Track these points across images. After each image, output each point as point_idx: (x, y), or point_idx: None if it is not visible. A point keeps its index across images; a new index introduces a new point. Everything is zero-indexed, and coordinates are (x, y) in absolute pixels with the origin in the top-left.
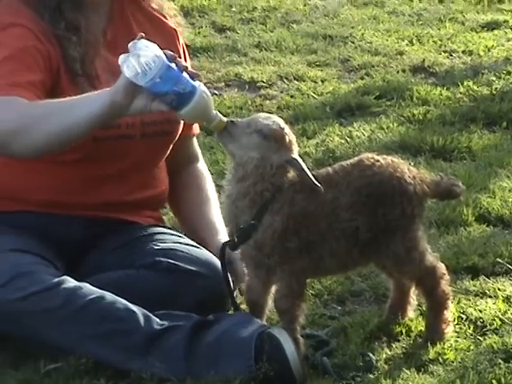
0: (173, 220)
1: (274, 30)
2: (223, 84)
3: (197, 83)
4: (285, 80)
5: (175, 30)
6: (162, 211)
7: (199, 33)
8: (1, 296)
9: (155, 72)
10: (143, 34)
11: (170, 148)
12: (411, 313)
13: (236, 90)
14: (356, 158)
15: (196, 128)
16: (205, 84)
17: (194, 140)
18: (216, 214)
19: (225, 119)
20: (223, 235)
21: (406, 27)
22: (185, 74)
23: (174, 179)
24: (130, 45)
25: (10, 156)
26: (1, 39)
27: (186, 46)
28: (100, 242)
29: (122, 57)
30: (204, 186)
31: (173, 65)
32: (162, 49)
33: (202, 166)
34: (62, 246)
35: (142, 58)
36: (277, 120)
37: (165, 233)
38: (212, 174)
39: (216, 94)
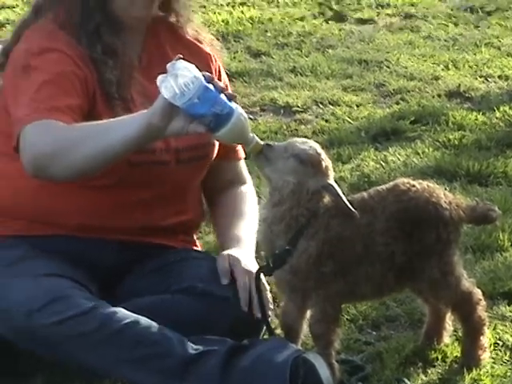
0: (208, 244)
1: (309, 54)
2: (258, 109)
3: (234, 105)
4: (320, 105)
5: (210, 54)
6: (197, 235)
7: (234, 57)
8: (37, 320)
9: (193, 93)
10: (181, 56)
11: (205, 172)
12: (447, 338)
13: (271, 114)
14: (391, 183)
15: (240, 152)
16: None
17: (240, 163)
18: (246, 230)
19: (261, 142)
20: (242, 249)
21: (441, 52)
22: (222, 96)
23: (215, 199)
24: (168, 65)
25: (47, 179)
26: (38, 64)
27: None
28: (134, 267)
29: (160, 77)
30: (241, 205)
31: (211, 86)
32: (200, 70)
33: (246, 188)
34: (96, 271)
35: (180, 78)
36: (313, 145)
37: (199, 258)
38: None
39: (251, 119)
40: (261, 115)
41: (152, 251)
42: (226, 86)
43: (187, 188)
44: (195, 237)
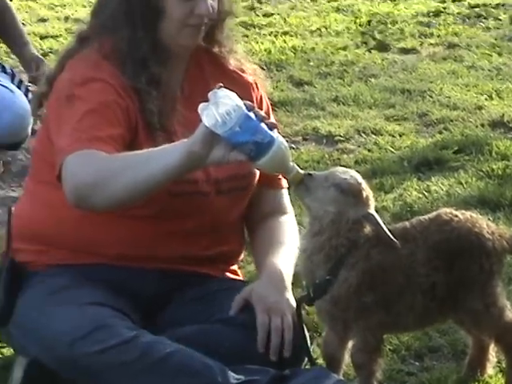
0: (249, 274)
1: (351, 84)
2: (301, 138)
3: (275, 134)
4: (362, 134)
5: (251, 83)
6: (238, 264)
7: (277, 87)
8: (80, 349)
9: (235, 121)
10: (222, 84)
11: (246, 203)
12: (490, 369)
13: (313, 143)
14: (434, 213)
15: (283, 181)
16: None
17: (282, 192)
18: (284, 260)
19: (302, 172)
20: (275, 281)
21: (485, 82)
22: (263, 125)
23: (255, 228)
24: (210, 94)
25: (89, 209)
26: (82, 94)
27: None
28: (175, 295)
29: (201, 105)
30: (280, 235)
31: (252, 114)
32: (241, 98)
33: (287, 218)
34: (137, 299)
35: (221, 107)
36: (354, 175)
37: (240, 287)
38: None
39: (293, 148)
40: (303, 144)
41: (193, 280)
42: (269, 115)
43: (228, 218)
44: (236, 266)
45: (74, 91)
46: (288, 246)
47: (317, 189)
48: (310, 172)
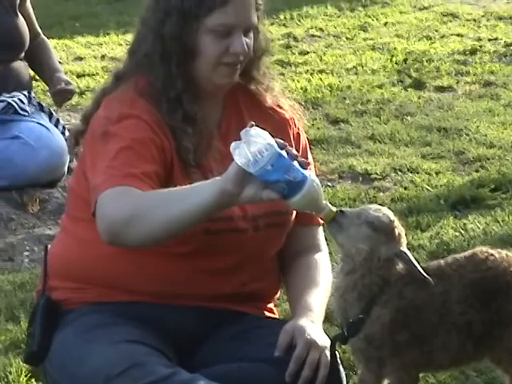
0: (285, 312)
1: (387, 122)
2: (337, 176)
3: (307, 172)
4: (399, 172)
5: (288, 119)
6: (274, 302)
7: (313, 125)
8: None
9: (267, 160)
10: (253, 123)
11: (283, 239)
12: None
13: (349, 181)
14: (469, 252)
15: (318, 218)
16: (318, 176)
17: (317, 230)
18: (317, 299)
19: (334, 209)
20: (311, 319)
21: None
22: (295, 163)
23: (289, 266)
24: (242, 132)
25: (122, 246)
26: (117, 131)
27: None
28: (211, 333)
29: (233, 144)
30: (314, 274)
31: (284, 153)
32: (273, 137)
33: (321, 256)
34: (173, 337)
35: (253, 145)
36: (387, 212)
37: (276, 325)
38: None
39: (329, 186)
40: (339, 182)
41: (229, 318)
42: (306, 151)
43: (264, 255)
44: (272, 304)
45: (109, 128)
46: (322, 286)
47: (349, 226)
48: (343, 209)
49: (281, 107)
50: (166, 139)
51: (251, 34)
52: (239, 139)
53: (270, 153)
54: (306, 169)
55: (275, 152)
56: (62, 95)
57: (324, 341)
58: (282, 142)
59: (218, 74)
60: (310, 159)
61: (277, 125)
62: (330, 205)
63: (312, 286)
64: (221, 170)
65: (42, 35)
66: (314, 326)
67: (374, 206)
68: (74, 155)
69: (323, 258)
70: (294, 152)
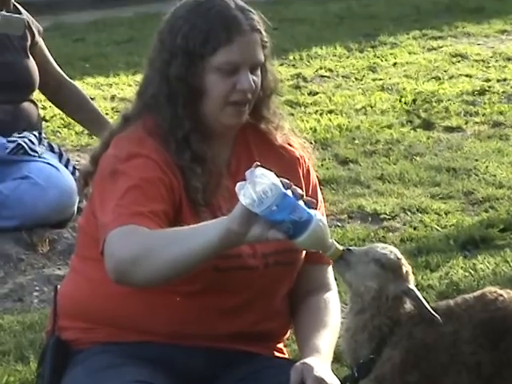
0: (295, 352)
1: (397, 162)
2: (346, 216)
3: (313, 211)
4: (408, 212)
5: (298, 157)
6: (284, 342)
7: (322, 165)
8: None
9: (272, 200)
10: (258, 163)
11: (294, 278)
12: None
13: (359, 222)
14: (479, 292)
15: (326, 257)
16: (327, 216)
17: (326, 268)
18: (326, 341)
19: (341, 247)
20: (319, 359)
21: None
22: (301, 202)
23: (298, 305)
24: (247, 173)
25: (129, 285)
26: (125, 170)
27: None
28: (223, 374)
29: (239, 184)
30: (323, 314)
31: (289, 192)
32: (278, 176)
33: (330, 296)
34: (184, 377)
35: (258, 185)
36: (393, 250)
37: (287, 366)
38: None
39: (339, 226)
40: (348, 222)
41: (240, 358)
42: (315, 189)
43: (274, 294)
44: (282, 344)
45: (117, 167)
46: (330, 327)
47: (357, 264)
48: (350, 247)
49: (291, 145)
50: (174, 178)
51: (258, 72)
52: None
53: (274, 193)
54: (312, 208)
55: (280, 192)
56: None
57: (333, 380)
58: (287, 181)
59: (225, 114)
60: (320, 197)
61: (286, 163)
62: (336, 243)
63: (321, 327)
64: (230, 208)
65: (70, 80)
66: (322, 365)
67: (381, 245)
68: (84, 196)
69: (332, 298)
70: (300, 191)
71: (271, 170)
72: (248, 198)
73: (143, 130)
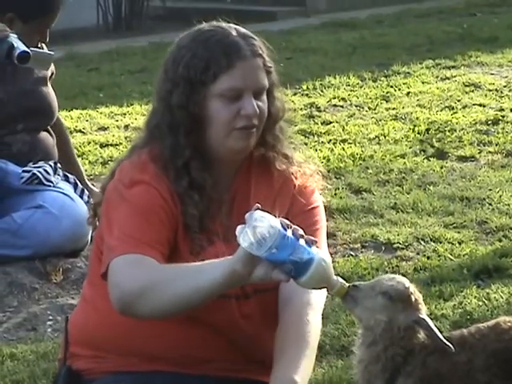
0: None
1: (410, 191)
2: (359, 245)
3: (314, 250)
4: (421, 241)
5: (291, 180)
6: None
7: (336, 194)
8: None
9: (271, 243)
10: (259, 205)
11: None
12: None
13: (372, 251)
14: (493, 321)
15: None
16: (341, 245)
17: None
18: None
19: (346, 284)
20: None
21: None
22: (302, 242)
23: (284, 307)
24: (246, 216)
25: (133, 316)
26: (128, 196)
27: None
28: None
29: (238, 228)
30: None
31: (289, 232)
32: (278, 216)
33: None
34: None
35: (257, 228)
36: (401, 280)
37: None
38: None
39: (352, 256)
40: (362, 252)
41: None
42: (314, 214)
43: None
44: None
45: (121, 193)
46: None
47: (364, 299)
48: (355, 283)
49: (293, 174)
50: (173, 205)
51: (264, 97)
52: (243, 206)
53: (273, 235)
54: (312, 246)
55: (279, 234)
56: None
57: None
58: (286, 222)
59: (232, 139)
60: (320, 219)
61: (287, 192)
62: (341, 279)
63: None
64: (226, 235)
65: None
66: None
67: (388, 276)
68: (94, 227)
69: (314, 301)
70: (300, 232)
71: (269, 212)
72: (247, 242)
73: (147, 155)
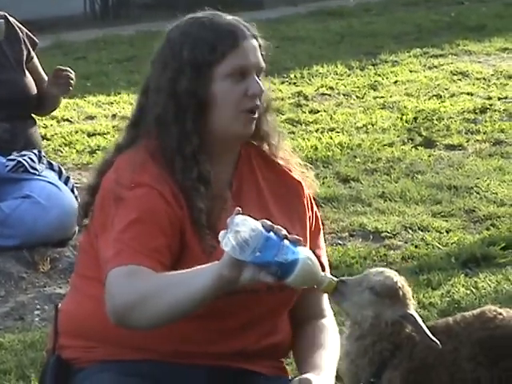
0: (297, 371)
1: (398, 180)
2: (347, 234)
3: (300, 249)
4: (409, 230)
5: (300, 182)
6: (286, 362)
7: (323, 183)
8: None
9: (253, 247)
10: (239, 209)
11: (294, 299)
12: None
13: (360, 240)
14: (478, 310)
15: None
16: (329, 234)
17: (321, 296)
18: (325, 360)
19: (334, 279)
20: (319, 375)
21: None
22: (286, 242)
23: (296, 331)
24: (228, 220)
25: (128, 327)
26: (127, 199)
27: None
28: None
29: (221, 233)
30: (321, 337)
31: (272, 234)
32: (281, 201)
33: (327, 322)
34: None
35: (239, 233)
36: (389, 274)
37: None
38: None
39: (340, 244)
40: (350, 240)
41: (242, 377)
42: (317, 217)
43: (276, 315)
44: (284, 363)
45: (119, 194)
46: (330, 348)
47: (352, 294)
48: (343, 279)
49: (291, 170)
50: (178, 208)
51: (261, 77)
52: (252, 200)
53: (255, 239)
54: (298, 245)
55: (261, 237)
56: (61, 78)
57: None
58: (268, 224)
59: (238, 123)
60: (320, 225)
61: (289, 189)
62: (329, 275)
63: (318, 348)
64: None
65: None
66: (321, 379)
67: (376, 270)
68: (83, 227)
69: (329, 324)
70: (284, 232)
71: (277, 194)
72: (229, 247)
73: (145, 152)
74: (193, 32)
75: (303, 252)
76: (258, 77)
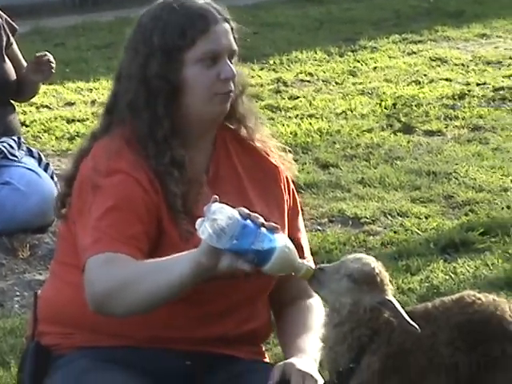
0: (276, 356)
1: (377, 166)
2: (327, 220)
3: (276, 236)
4: (388, 216)
5: (277, 166)
6: (265, 347)
7: (303, 169)
8: None
9: (230, 234)
10: (217, 197)
11: (273, 284)
12: None
13: (339, 225)
14: (457, 295)
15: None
16: (308, 220)
17: None
18: (311, 342)
19: (312, 266)
20: (303, 358)
21: (510, 164)
22: (263, 230)
23: (282, 312)
24: (204, 208)
25: (107, 315)
26: (105, 187)
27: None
28: (201, 378)
29: (198, 221)
30: (307, 318)
31: (248, 222)
32: (260, 185)
33: (313, 301)
34: (162, 382)
35: (216, 221)
36: (367, 261)
37: (268, 369)
38: None
39: (319, 230)
40: (329, 226)
41: (220, 362)
42: (295, 199)
43: (255, 300)
44: (263, 348)
45: (96, 181)
46: (314, 329)
47: (330, 282)
48: (321, 266)
49: (268, 154)
50: (154, 194)
51: (234, 61)
52: (229, 185)
53: (231, 227)
54: (275, 233)
55: (237, 225)
56: (43, 65)
57: (317, 376)
58: (245, 211)
59: (212, 104)
60: (299, 208)
61: (267, 173)
62: (306, 263)
63: (304, 330)
64: None
65: None
66: (306, 362)
67: (353, 257)
68: (62, 218)
69: (315, 303)
70: (261, 220)
71: (254, 179)
72: (206, 235)
73: (121, 139)
74: (163, 17)
75: (280, 240)
76: (230, 60)
